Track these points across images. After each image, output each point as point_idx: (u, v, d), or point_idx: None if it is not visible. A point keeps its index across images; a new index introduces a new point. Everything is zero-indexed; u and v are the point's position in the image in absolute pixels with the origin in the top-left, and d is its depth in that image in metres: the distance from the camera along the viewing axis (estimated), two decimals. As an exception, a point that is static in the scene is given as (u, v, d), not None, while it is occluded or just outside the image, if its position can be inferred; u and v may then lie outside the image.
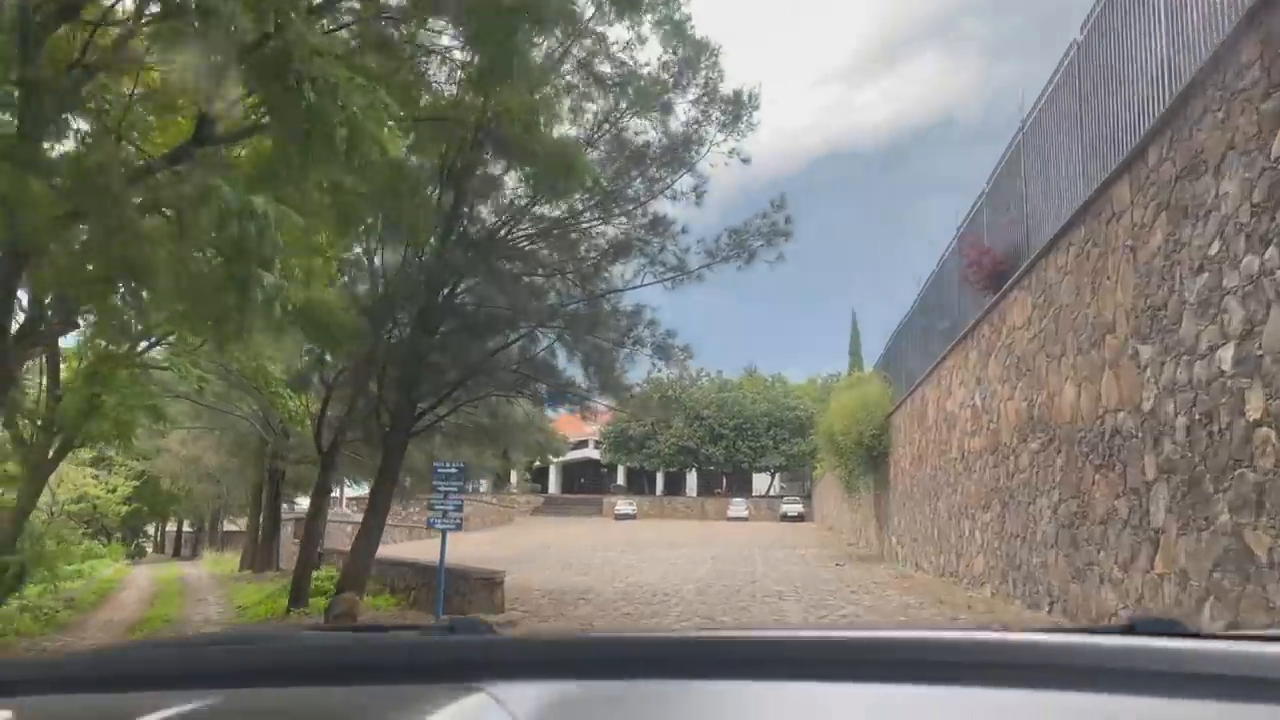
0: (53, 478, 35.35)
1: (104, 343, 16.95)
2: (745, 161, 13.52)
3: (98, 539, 50.29)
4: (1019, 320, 13.05)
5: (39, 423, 18.38)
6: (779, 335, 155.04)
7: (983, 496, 15.09)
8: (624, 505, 68.26)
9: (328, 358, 14.61)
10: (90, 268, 8.14)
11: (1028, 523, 12.55)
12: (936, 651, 1.16)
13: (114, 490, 46.57)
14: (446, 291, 13.34)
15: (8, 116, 8.59)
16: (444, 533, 13.49)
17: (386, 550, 32.46)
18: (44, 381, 19.08)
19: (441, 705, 1.02)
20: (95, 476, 44.57)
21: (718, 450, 73.92)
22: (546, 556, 28.43)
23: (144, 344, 19.82)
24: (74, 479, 41.26)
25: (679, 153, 13.39)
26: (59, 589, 21.45)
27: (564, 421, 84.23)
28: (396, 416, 14.00)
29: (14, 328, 10.97)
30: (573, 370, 14.92)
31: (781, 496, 72.95)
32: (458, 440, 17.12)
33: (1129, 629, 1.27)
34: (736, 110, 13.58)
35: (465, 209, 13.12)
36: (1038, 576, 12.09)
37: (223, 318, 7.25)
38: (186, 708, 1.05)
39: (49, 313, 12.25)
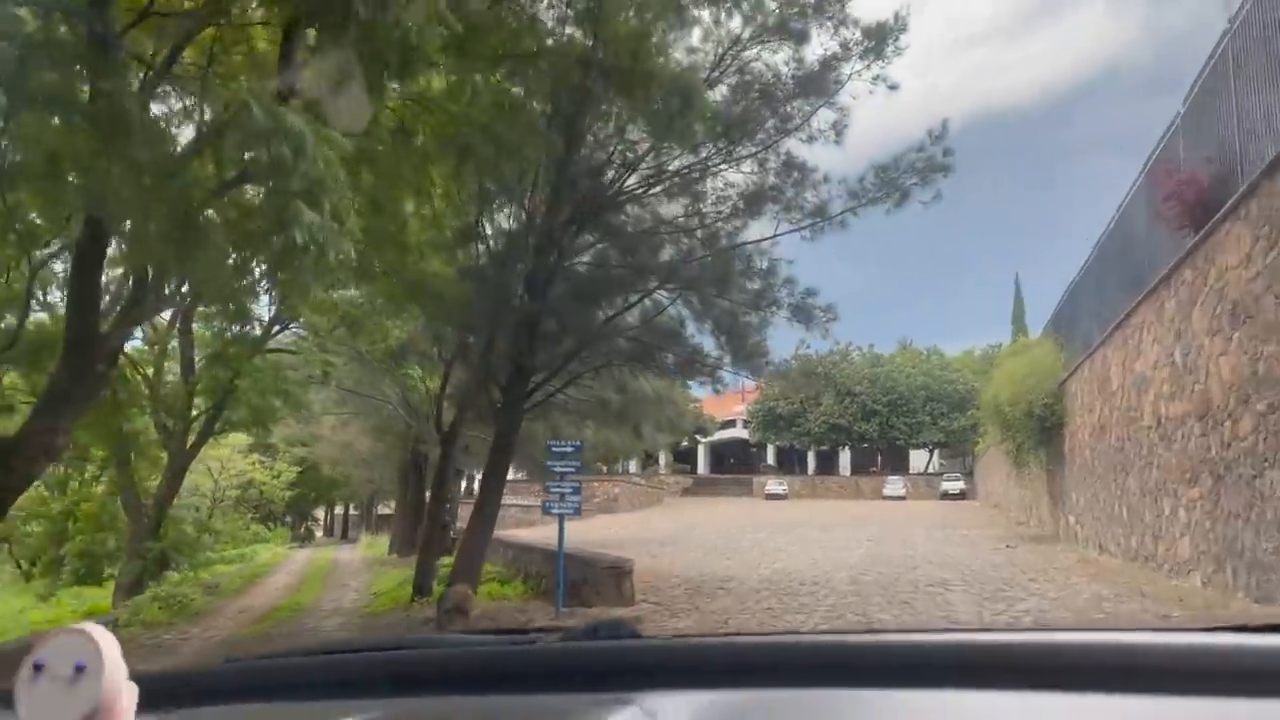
0: (215, 465, 36.70)
1: (227, 327, 16.75)
2: (893, 88, 11.80)
3: (265, 523, 52.38)
4: (1234, 258, 10.89)
5: (167, 412, 18.52)
6: (932, 308, 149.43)
7: (1187, 469, 12.93)
8: (774, 485, 66.53)
9: (444, 332, 13.79)
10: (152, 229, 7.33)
11: (1252, 500, 10.45)
12: (1148, 657, 1.06)
13: (278, 476, 48.25)
14: (558, 252, 12.21)
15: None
16: (561, 518, 12.40)
17: (526, 533, 32.06)
18: (180, 370, 19.24)
19: (597, 715, 0.97)
20: (260, 463, 46.20)
21: (871, 427, 71.17)
22: (691, 539, 27.26)
23: (276, 329, 19.71)
24: (239, 465, 42.84)
25: (815, 82, 11.76)
26: (199, 576, 21.67)
27: (711, 401, 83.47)
28: (508, 391, 12.99)
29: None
30: (703, 339, 13.59)
31: (940, 474, 69.72)
32: (582, 418, 16.03)
33: None
34: (880, 36, 11.86)
35: (576, 157, 11.88)
36: (1269, 564, 10.02)
37: (274, 264, 6.34)
38: (359, 718, 1.05)
39: (148, 293, 11.74)
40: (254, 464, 45.20)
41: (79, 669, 0.85)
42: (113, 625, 13.53)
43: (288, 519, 59.51)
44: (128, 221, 8.56)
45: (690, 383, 15.11)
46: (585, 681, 1.20)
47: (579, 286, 12.44)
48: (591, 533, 32.58)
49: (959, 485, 60.71)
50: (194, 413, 19.23)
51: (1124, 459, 16.70)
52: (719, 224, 12.68)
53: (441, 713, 1.18)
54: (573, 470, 12.32)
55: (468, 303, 11.57)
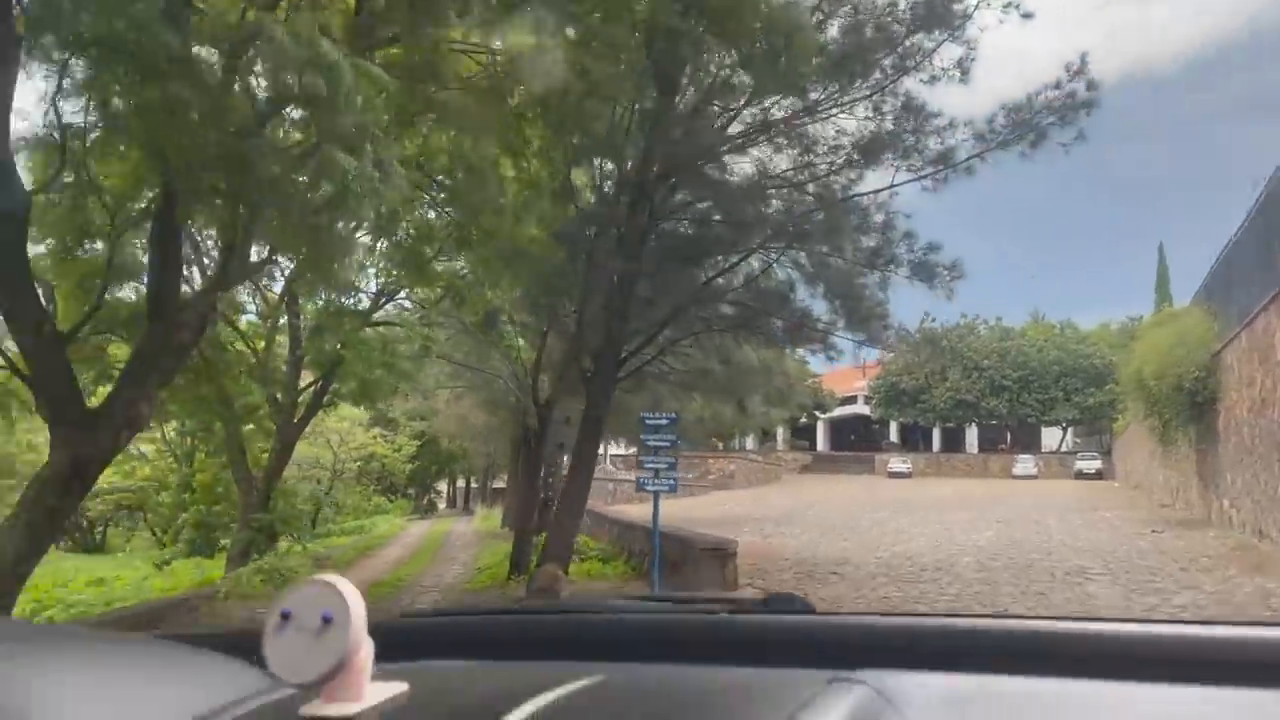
0: (334, 438, 37.45)
1: (328, 297, 16.61)
2: (1027, 17, 10.50)
3: (387, 496, 53.49)
4: None
5: (275, 384, 18.55)
6: (1065, 279, 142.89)
7: (1372, 449, 11.34)
8: (897, 463, 64.57)
9: (539, 300, 13.20)
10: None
11: None
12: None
13: (399, 449, 49.12)
14: (651, 209, 11.38)
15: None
16: (656, 496, 11.65)
17: (638, 510, 31.56)
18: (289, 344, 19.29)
19: (835, 706, 0.92)
20: (382, 436, 47.08)
21: (1000, 403, 68.24)
22: (807, 518, 26.26)
23: (384, 301, 19.56)
24: (361, 439, 43.73)
25: (936, 13, 10.54)
26: (307, 549, 21.81)
27: (831, 376, 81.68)
28: (599, 360, 12.27)
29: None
30: (814, 303, 12.56)
31: (1075, 452, 66.27)
32: (685, 389, 15.20)
33: None
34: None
35: (672, 106, 10.99)
36: None
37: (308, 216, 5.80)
38: (584, 683, 1.05)
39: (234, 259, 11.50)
40: (375, 437, 46.03)
41: (325, 620, 0.88)
42: (214, 596, 13.58)
43: (410, 491, 60.69)
44: (203, 181, 8.21)
45: (801, 351, 14.10)
46: (804, 658, 1.16)
47: (675, 246, 11.61)
48: (704, 509, 31.91)
49: (1095, 464, 57.68)
50: (302, 385, 19.27)
51: (1293, 436, 14.98)
52: (830, 175, 11.61)
53: (661, 680, 1.15)
54: (668, 444, 11.54)
55: (561, 266, 10.92)
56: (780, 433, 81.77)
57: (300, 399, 19.32)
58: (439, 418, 42.30)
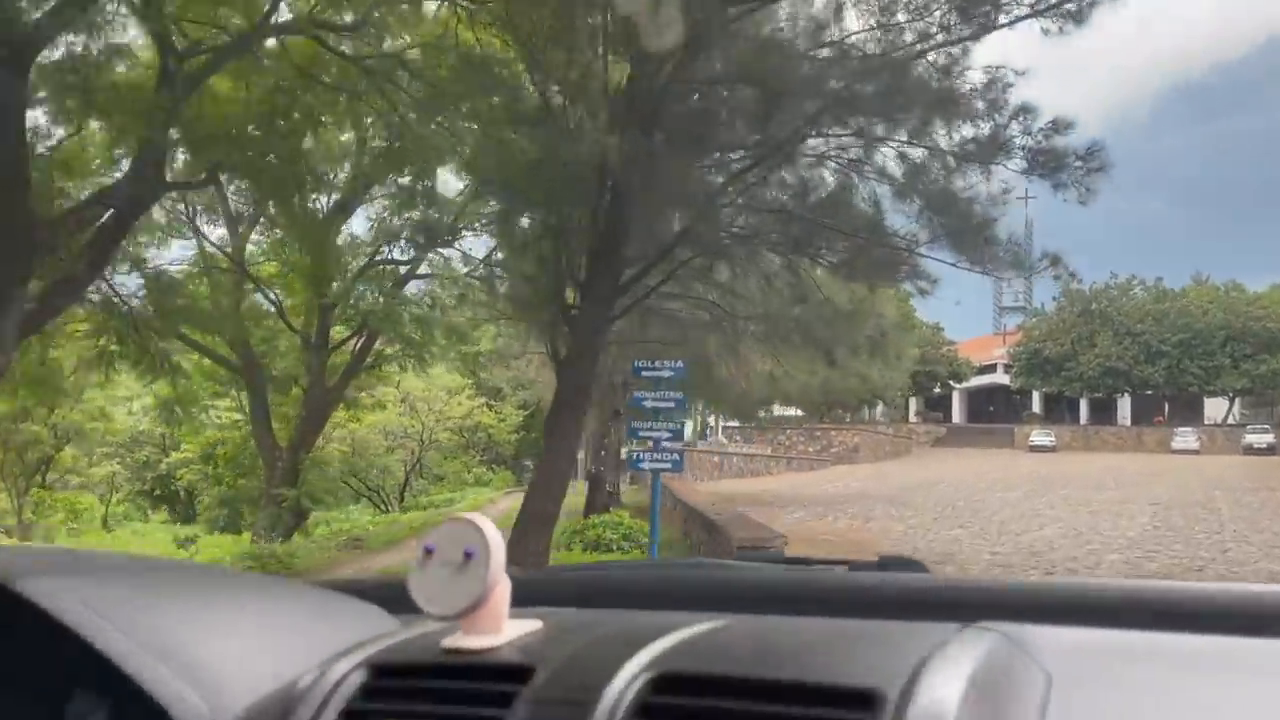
0: (422, 406, 35.92)
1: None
2: None
3: (491, 467, 52.07)
4: None
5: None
6: (1227, 242, 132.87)
7: None
8: (1039, 435, 59.62)
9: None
10: None
11: None
12: None
13: (504, 419, 47.57)
14: (657, 72, 8.47)
15: None
16: (655, 477, 8.88)
17: (746, 485, 28.71)
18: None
19: (971, 647, 0.89)
20: (489, 405, 45.51)
21: (1156, 371, 62.16)
22: (926, 497, 23.00)
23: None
24: (465, 407, 42.23)
25: None
26: (332, 527, 19.88)
27: (968, 345, 76.82)
28: (589, 288, 9.47)
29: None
30: (894, 217, 9.41)
31: (1243, 425, 59.96)
32: (739, 338, 12.19)
33: None
34: None
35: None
36: None
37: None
38: (719, 624, 1.06)
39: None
40: (480, 407, 44.53)
41: (468, 555, 0.92)
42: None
43: (524, 463, 59.42)
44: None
45: (907, 288, 10.90)
46: (927, 612, 1.12)
47: (690, 122, 8.64)
48: (813, 486, 28.96)
49: (1268, 439, 51.89)
50: (334, 346, 17.24)
51: None
52: (914, 36, 8.49)
53: (794, 627, 1.10)
54: (673, 405, 8.76)
55: (541, 165, 8.33)
56: (912, 404, 77.65)
57: (329, 359, 17.27)
58: (539, 386, 40.44)
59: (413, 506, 30.35)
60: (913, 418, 75.47)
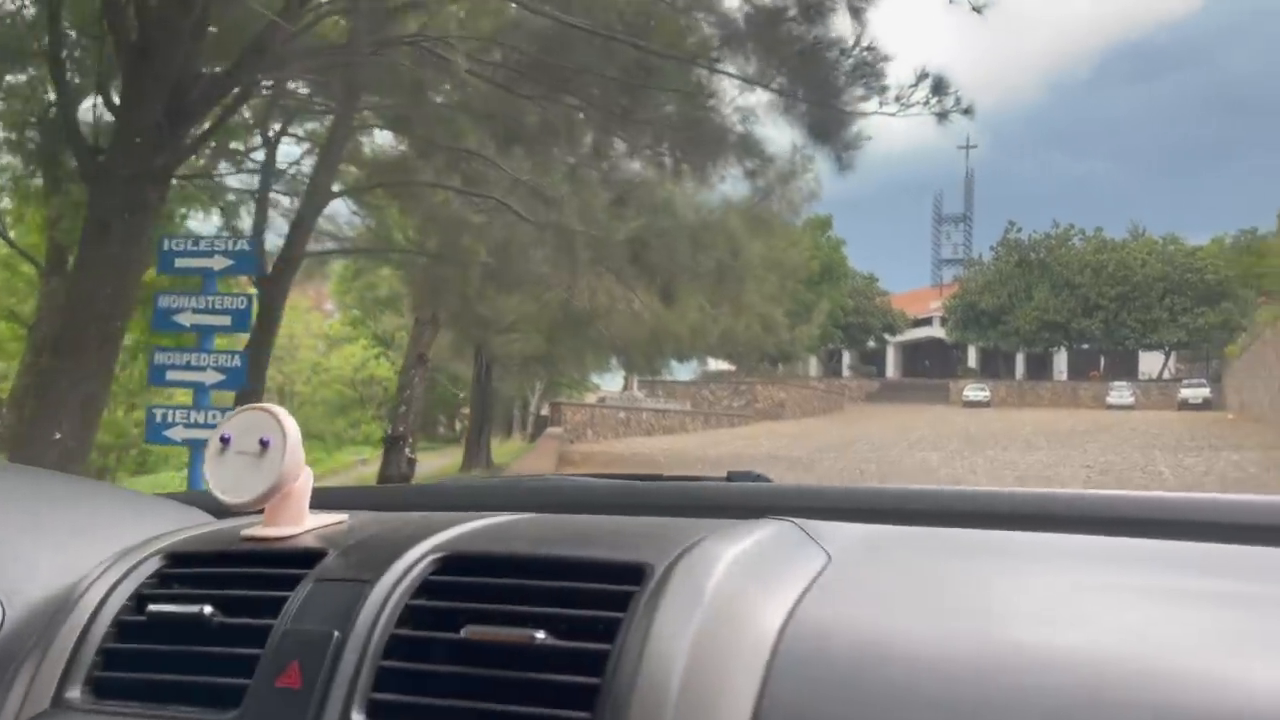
0: (284, 355, 32.32)
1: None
2: None
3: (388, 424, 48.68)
4: None
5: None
6: (1166, 198, 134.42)
7: None
8: (973, 390, 57.94)
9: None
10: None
11: None
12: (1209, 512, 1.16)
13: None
14: None
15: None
16: (192, 451, 5.63)
17: (652, 444, 25.87)
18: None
19: (753, 532, 0.95)
20: (384, 355, 41.79)
21: (1093, 325, 60.73)
22: (837, 460, 20.39)
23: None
24: (358, 357, 38.77)
25: None
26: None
27: (903, 297, 75.10)
28: (126, 116, 5.98)
29: None
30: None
31: (1178, 379, 58.93)
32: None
33: None
34: None
35: None
36: None
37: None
38: (520, 515, 1.10)
39: None
40: (376, 357, 41.12)
41: (264, 444, 0.92)
42: None
43: (434, 418, 55.99)
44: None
45: (702, 160, 7.68)
46: (740, 512, 1.12)
47: None
48: (723, 444, 26.25)
49: (1203, 393, 50.72)
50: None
51: None
52: None
53: (596, 520, 1.14)
54: (230, 320, 5.51)
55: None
56: (846, 358, 75.96)
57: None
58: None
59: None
60: (846, 372, 73.76)
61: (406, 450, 14.34)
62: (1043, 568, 0.96)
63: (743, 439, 29.74)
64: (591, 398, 41.59)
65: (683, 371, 43.60)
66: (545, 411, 37.46)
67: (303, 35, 5.80)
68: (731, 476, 1.52)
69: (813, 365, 72.80)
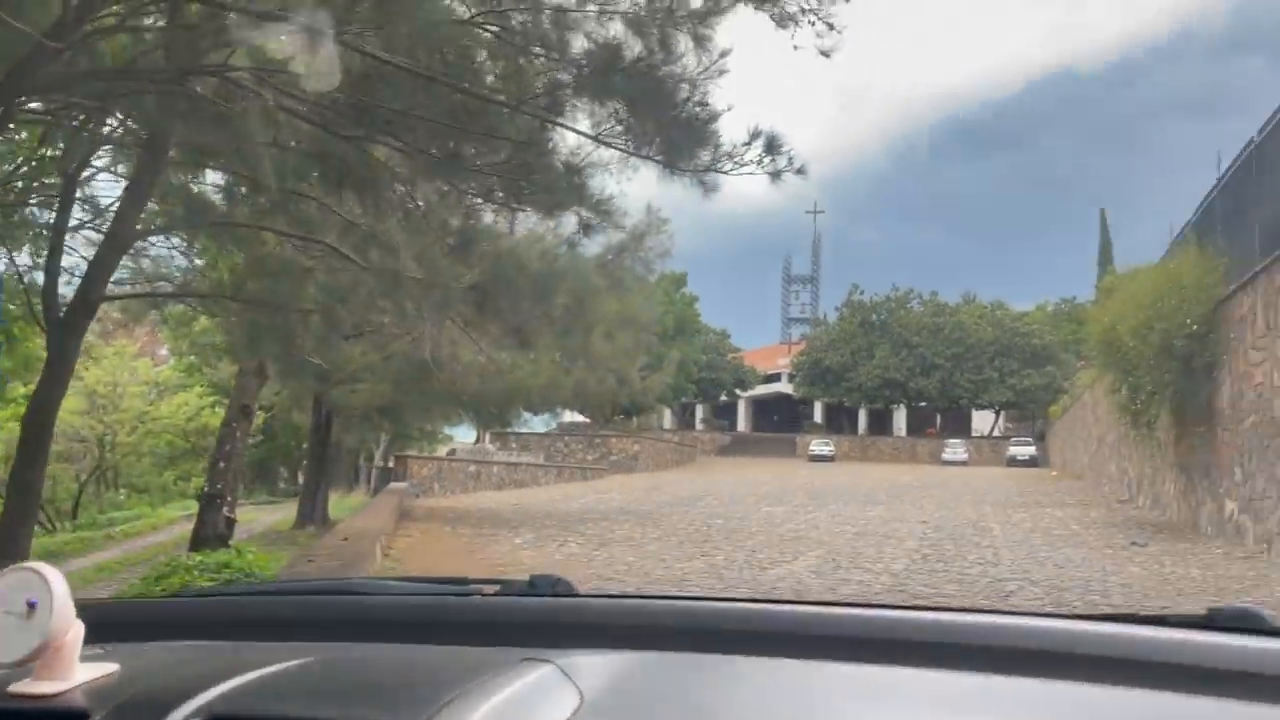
0: (107, 404, 30.28)
1: None
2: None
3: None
4: None
5: None
6: (995, 268, 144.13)
7: None
8: (819, 445, 59.47)
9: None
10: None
11: None
12: (992, 637, 1.15)
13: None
14: None
15: None
16: None
17: (501, 499, 25.22)
18: None
19: (511, 674, 0.98)
20: (221, 404, 39.66)
21: (930, 384, 63.52)
22: (686, 514, 20.31)
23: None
24: (192, 406, 36.62)
25: None
26: None
27: (755, 353, 76.72)
28: None
29: None
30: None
31: (1007, 437, 62.14)
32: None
33: (1207, 621, 1.23)
34: None
35: None
36: None
37: None
38: (292, 663, 1.08)
39: None
40: (213, 405, 38.94)
41: (31, 605, 0.91)
42: None
43: (274, 471, 53.36)
44: None
45: (542, 205, 7.49)
46: (513, 637, 1.21)
47: None
48: (574, 499, 25.88)
49: (1029, 451, 53.67)
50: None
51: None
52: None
53: (370, 660, 1.17)
54: None
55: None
56: (699, 411, 76.98)
57: None
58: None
59: (88, 525, 25.11)
60: (699, 425, 74.70)
61: (225, 510, 13.38)
62: (795, 701, 0.96)
63: (595, 492, 29.41)
64: (443, 450, 40.61)
65: (538, 424, 43.17)
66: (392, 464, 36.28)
67: (81, 57, 5.34)
68: (533, 582, 1.54)
69: (667, 418, 73.53)
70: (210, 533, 12.92)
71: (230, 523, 13.58)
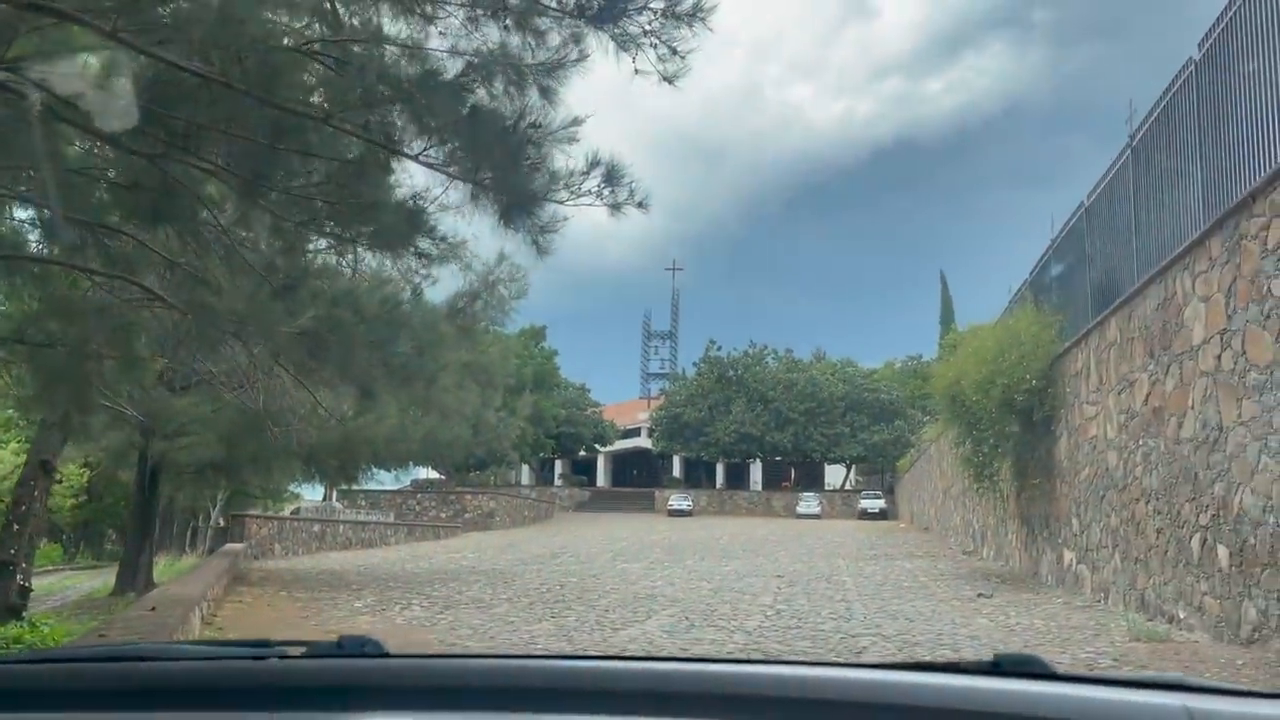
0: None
1: None
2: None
3: (52, 540, 42.57)
4: None
5: None
6: (845, 327, 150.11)
7: None
8: (678, 500, 59.55)
9: None
10: None
11: None
12: (786, 688, 1.17)
13: (61, 482, 38.85)
14: None
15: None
16: None
17: (347, 560, 23.87)
18: None
19: None
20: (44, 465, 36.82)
21: (785, 438, 64.76)
22: (539, 573, 19.65)
23: None
24: (7, 464, 33.72)
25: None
26: None
27: (614, 408, 76.50)
28: None
29: None
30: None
31: (858, 491, 63.78)
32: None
33: (994, 667, 1.28)
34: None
35: None
36: None
37: None
38: None
39: None
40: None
41: None
42: None
43: (72, 538, 49.21)
44: None
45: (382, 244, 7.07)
46: (314, 701, 1.20)
47: None
48: (424, 559, 24.79)
49: (879, 504, 55.16)
50: None
51: (1221, 462, 9.64)
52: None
53: None
54: None
55: None
56: (558, 466, 76.16)
57: None
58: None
59: None
60: (558, 481, 73.85)
61: (19, 578, 11.96)
62: None
63: (447, 551, 28.37)
64: (289, 509, 38.59)
65: (389, 480, 41.55)
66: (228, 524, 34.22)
67: None
68: (341, 643, 1.50)
69: (525, 474, 72.48)
70: (1, 603, 11.49)
71: (25, 591, 12.14)
